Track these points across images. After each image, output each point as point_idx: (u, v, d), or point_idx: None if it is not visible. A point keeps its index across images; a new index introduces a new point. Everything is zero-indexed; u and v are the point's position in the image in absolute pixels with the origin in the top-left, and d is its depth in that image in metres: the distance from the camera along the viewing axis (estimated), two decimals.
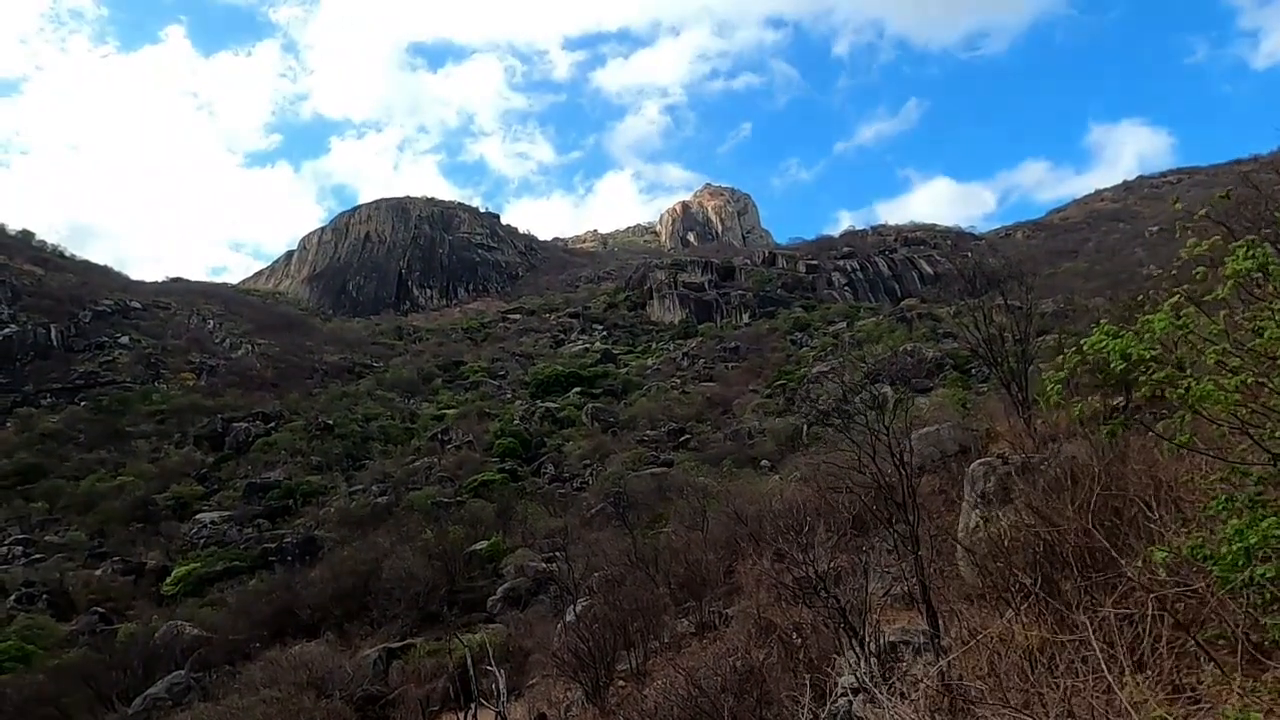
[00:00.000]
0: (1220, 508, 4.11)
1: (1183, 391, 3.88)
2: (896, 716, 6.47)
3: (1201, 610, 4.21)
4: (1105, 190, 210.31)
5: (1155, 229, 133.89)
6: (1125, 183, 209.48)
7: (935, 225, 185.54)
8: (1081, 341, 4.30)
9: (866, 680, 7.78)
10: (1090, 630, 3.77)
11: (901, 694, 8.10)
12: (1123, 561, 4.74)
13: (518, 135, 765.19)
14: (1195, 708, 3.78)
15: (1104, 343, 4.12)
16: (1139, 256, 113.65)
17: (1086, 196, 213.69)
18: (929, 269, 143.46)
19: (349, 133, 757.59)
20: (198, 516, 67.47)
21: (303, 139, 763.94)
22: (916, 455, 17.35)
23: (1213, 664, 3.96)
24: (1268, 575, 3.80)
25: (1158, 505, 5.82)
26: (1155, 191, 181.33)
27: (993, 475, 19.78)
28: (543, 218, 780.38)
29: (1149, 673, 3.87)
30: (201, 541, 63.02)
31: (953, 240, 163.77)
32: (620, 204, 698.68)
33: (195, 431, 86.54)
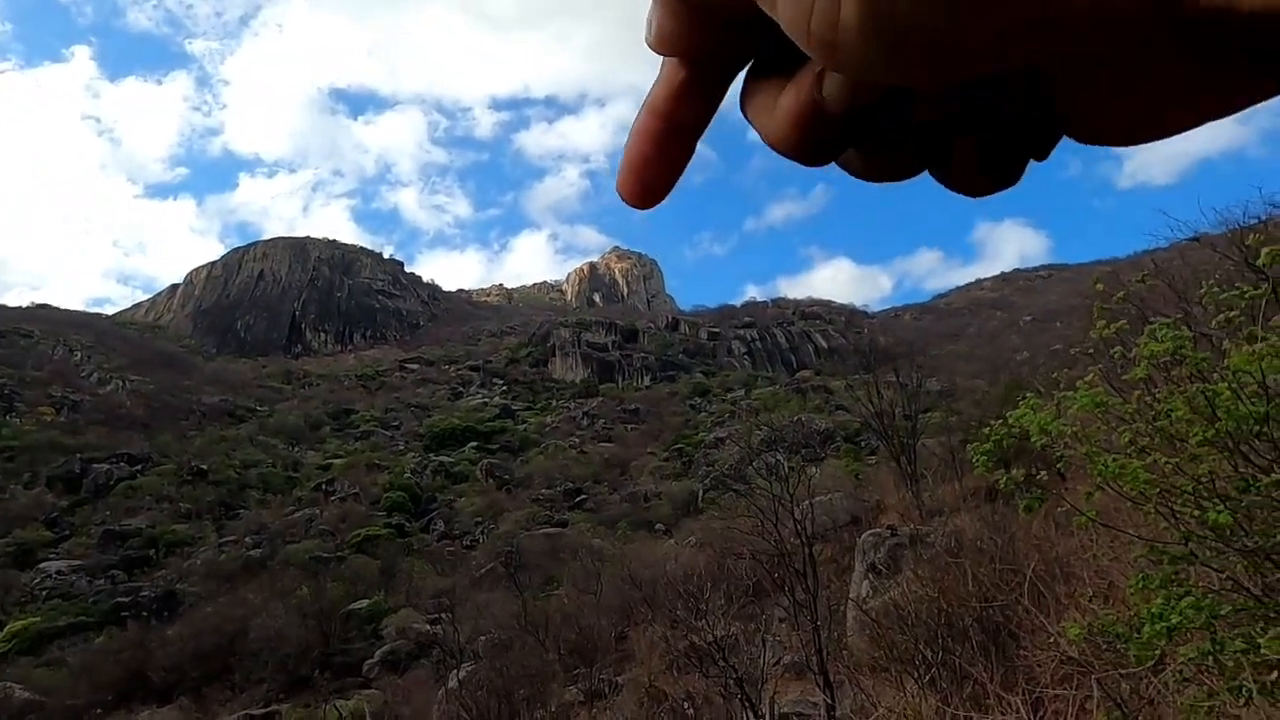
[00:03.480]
0: (1137, 586, 4.25)
1: (1100, 468, 4.03)
2: None
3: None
4: (986, 280, 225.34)
5: (1029, 319, 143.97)
6: (1003, 274, 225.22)
7: (831, 302, 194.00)
8: (1007, 414, 4.45)
9: None
10: (1024, 710, 3.78)
11: None
12: (1024, 638, 4.80)
13: (436, 188, 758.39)
14: None
15: (1027, 416, 4.26)
16: (1014, 343, 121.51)
17: (968, 285, 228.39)
18: (824, 343, 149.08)
19: (259, 170, 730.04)
20: (42, 565, 61.42)
21: (210, 174, 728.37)
22: (809, 525, 17.57)
23: None
24: (1189, 656, 3.92)
25: (1052, 580, 6.02)
26: (1029, 284, 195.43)
27: (883, 546, 20.25)
28: (457, 272, 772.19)
29: None
30: (44, 593, 57.29)
31: (846, 317, 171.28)
32: (535, 263, 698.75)
33: (49, 471, 79.42)
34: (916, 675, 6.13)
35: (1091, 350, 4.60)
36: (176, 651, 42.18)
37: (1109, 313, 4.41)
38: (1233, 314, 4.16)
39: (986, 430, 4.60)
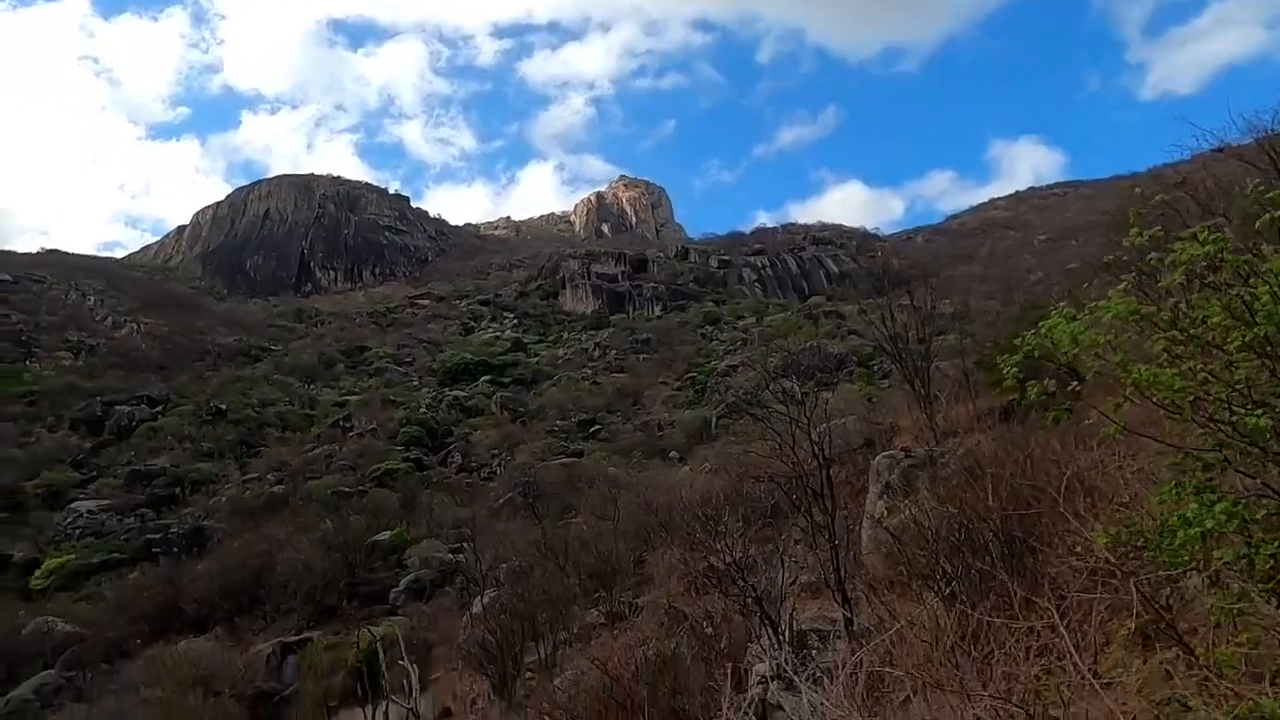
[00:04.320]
0: (1170, 494, 4.24)
1: (1134, 377, 3.97)
2: (815, 702, 6.46)
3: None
4: (999, 200, 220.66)
5: (1043, 238, 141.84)
6: (1017, 193, 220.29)
7: (842, 225, 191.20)
8: (1040, 324, 4.37)
9: (786, 668, 7.77)
10: (1056, 615, 3.81)
11: (817, 679, 8.11)
12: (1047, 550, 4.79)
13: (440, 120, 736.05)
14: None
15: (1060, 327, 4.18)
16: (1028, 262, 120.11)
17: (982, 205, 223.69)
18: (835, 268, 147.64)
19: (262, 108, 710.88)
20: (73, 505, 63.02)
21: (211, 112, 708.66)
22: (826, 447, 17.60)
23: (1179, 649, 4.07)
24: (1225, 559, 3.93)
25: (1072, 495, 6.02)
26: (1043, 202, 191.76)
27: (897, 468, 20.34)
28: (464, 205, 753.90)
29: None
30: (77, 533, 58.93)
31: (858, 241, 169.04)
32: (542, 195, 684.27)
33: (71, 414, 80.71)
34: (936, 589, 6.21)
35: (1125, 258, 4.49)
36: (206, 585, 43.46)
37: (1143, 219, 4.29)
38: (1278, 213, 4.03)
39: (1017, 341, 4.53)
